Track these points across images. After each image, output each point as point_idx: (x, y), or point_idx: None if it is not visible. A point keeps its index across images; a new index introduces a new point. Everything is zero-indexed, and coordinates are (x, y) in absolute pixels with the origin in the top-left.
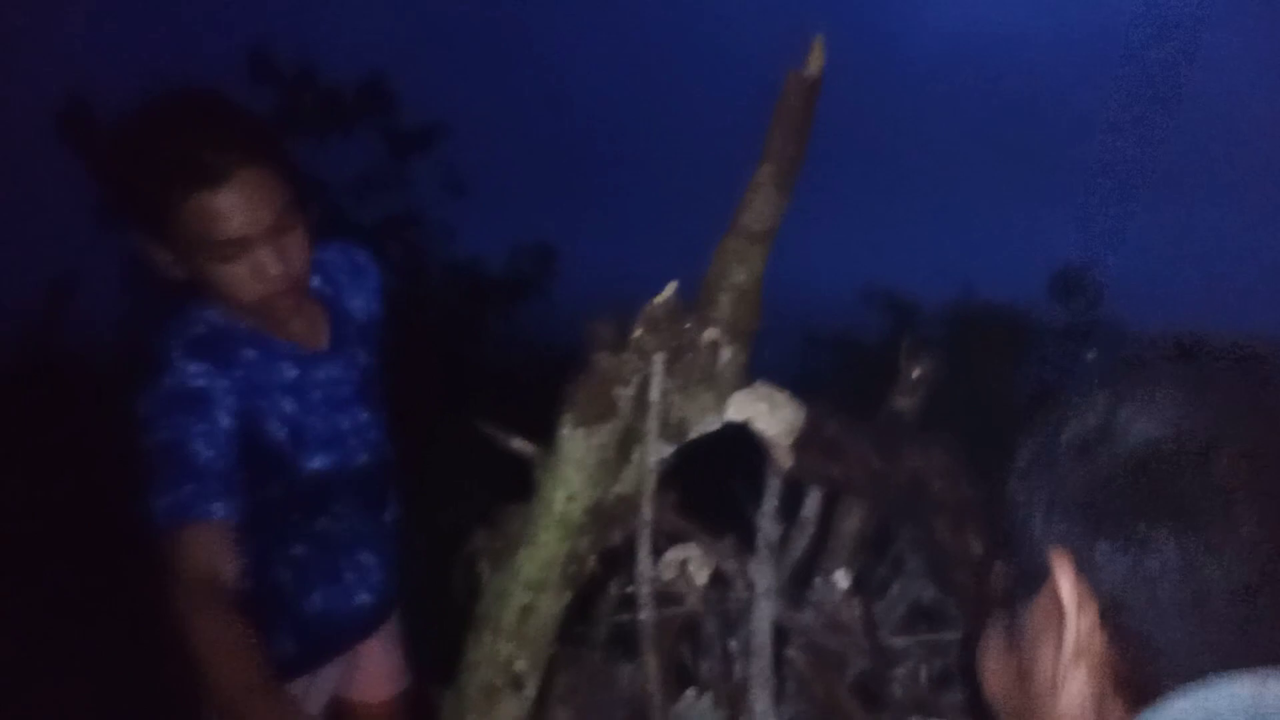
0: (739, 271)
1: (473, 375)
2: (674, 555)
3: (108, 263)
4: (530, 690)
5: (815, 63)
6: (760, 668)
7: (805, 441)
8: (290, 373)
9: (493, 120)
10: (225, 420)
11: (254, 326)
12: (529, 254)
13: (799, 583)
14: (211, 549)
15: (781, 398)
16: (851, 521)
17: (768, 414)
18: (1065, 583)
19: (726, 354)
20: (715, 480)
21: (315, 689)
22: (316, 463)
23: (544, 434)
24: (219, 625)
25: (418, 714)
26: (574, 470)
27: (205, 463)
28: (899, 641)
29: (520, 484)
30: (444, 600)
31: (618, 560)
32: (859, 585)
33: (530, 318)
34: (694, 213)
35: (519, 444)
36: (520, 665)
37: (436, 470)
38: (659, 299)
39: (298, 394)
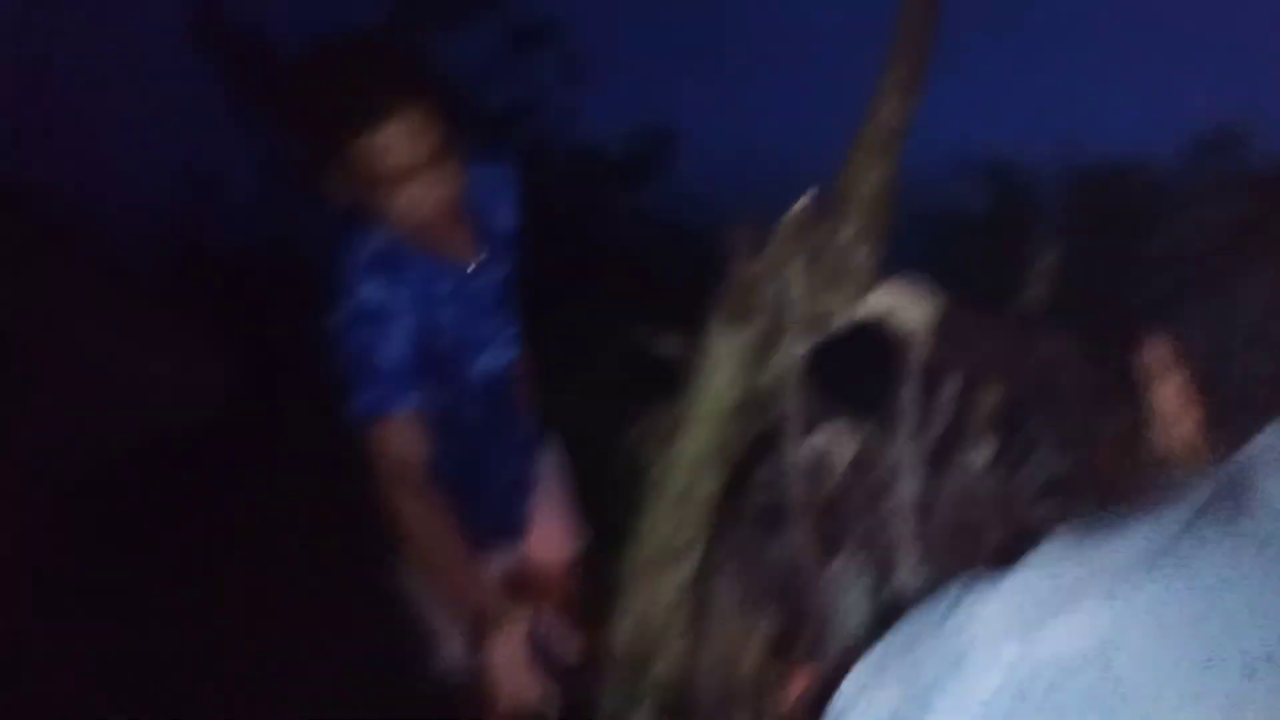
0: (873, 173)
1: (605, 261)
2: (820, 438)
3: (247, 163)
4: (691, 560)
5: None
6: (901, 538)
7: (939, 333)
8: (447, 286)
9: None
10: (403, 328)
11: (415, 245)
12: (649, 137)
13: (938, 460)
14: (405, 437)
15: (916, 292)
16: (987, 403)
17: (903, 307)
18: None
19: (862, 251)
20: (858, 368)
21: (497, 562)
22: (477, 365)
23: (679, 316)
24: (418, 503)
25: (591, 583)
26: (724, 365)
27: (391, 366)
28: (1034, 512)
29: (674, 375)
30: (604, 482)
31: (768, 443)
32: (996, 461)
33: (656, 201)
34: (816, 93)
35: (669, 344)
36: (682, 538)
37: (584, 363)
38: (797, 206)
39: (455, 305)
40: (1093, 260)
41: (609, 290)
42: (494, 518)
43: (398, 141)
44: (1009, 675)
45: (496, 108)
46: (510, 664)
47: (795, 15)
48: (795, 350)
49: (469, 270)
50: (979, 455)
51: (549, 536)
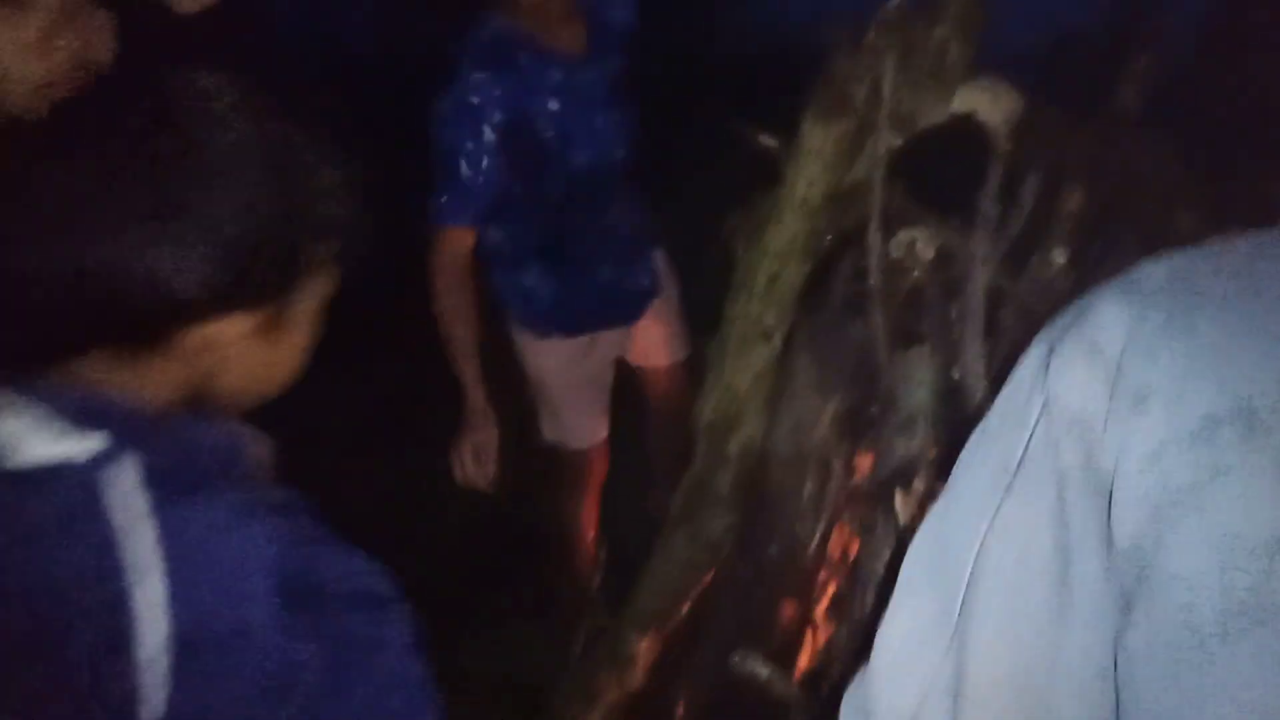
0: None
1: (711, 58)
2: (903, 235)
3: None
4: (777, 341)
5: None
6: (973, 323)
7: (1023, 131)
8: (556, 76)
9: None
10: (490, 135)
11: (529, 33)
12: None
13: (1017, 259)
14: (457, 246)
15: (1002, 89)
16: (1070, 203)
17: (989, 105)
18: None
19: (954, 50)
20: (942, 167)
21: (598, 347)
22: (581, 157)
23: (780, 119)
24: (454, 302)
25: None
26: (814, 160)
27: (465, 179)
28: None
29: (765, 170)
30: (704, 271)
31: (853, 238)
32: (1074, 261)
33: (759, 9)
34: None
35: (765, 139)
36: (769, 321)
37: (689, 161)
38: (892, 3)
39: (562, 96)
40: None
41: (714, 87)
42: (599, 304)
43: None
44: None
45: None
46: (461, 456)
47: None
48: (884, 146)
49: (579, 63)
50: (1057, 255)
51: (656, 342)
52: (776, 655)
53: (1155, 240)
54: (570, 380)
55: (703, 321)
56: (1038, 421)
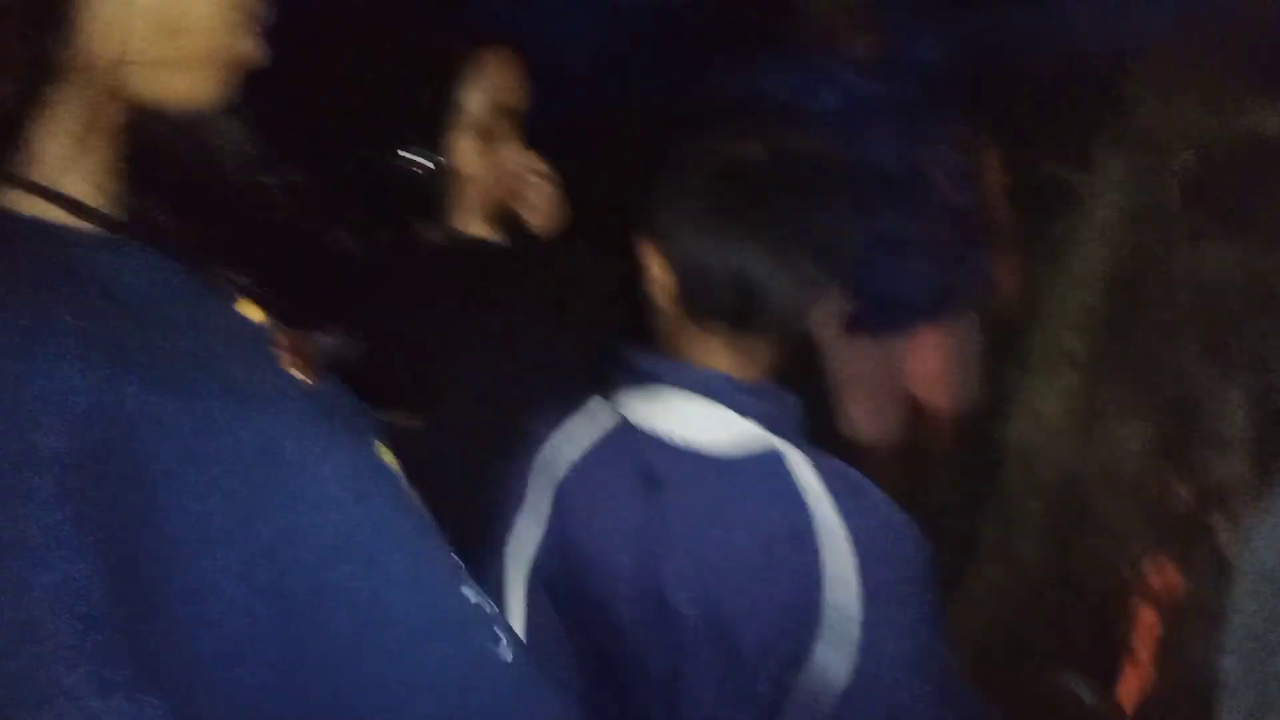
0: None
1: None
2: (1205, 252)
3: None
4: (1085, 366)
5: None
6: None
7: None
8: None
9: None
10: None
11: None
12: None
13: None
14: None
15: None
16: None
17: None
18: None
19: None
20: (1247, 185)
21: (886, 354)
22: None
23: (1074, 144)
24: None
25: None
26: (1113, 185)
27: None
28: None
29: (1064, 195)
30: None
31: (1156, 259)
32: None
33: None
34: None
35: (1059, 168)
36: (1076, 346)
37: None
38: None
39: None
40: None
41: (1008, 111)
42: (891, 305)
43: None
44: None
45: None
46: None
47: None
48: (1178, 169)
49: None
50: None
51: (939, 382)
52: (1097, 683)
53: None
54: (862, 372)
55: (1008, 351)
56: None
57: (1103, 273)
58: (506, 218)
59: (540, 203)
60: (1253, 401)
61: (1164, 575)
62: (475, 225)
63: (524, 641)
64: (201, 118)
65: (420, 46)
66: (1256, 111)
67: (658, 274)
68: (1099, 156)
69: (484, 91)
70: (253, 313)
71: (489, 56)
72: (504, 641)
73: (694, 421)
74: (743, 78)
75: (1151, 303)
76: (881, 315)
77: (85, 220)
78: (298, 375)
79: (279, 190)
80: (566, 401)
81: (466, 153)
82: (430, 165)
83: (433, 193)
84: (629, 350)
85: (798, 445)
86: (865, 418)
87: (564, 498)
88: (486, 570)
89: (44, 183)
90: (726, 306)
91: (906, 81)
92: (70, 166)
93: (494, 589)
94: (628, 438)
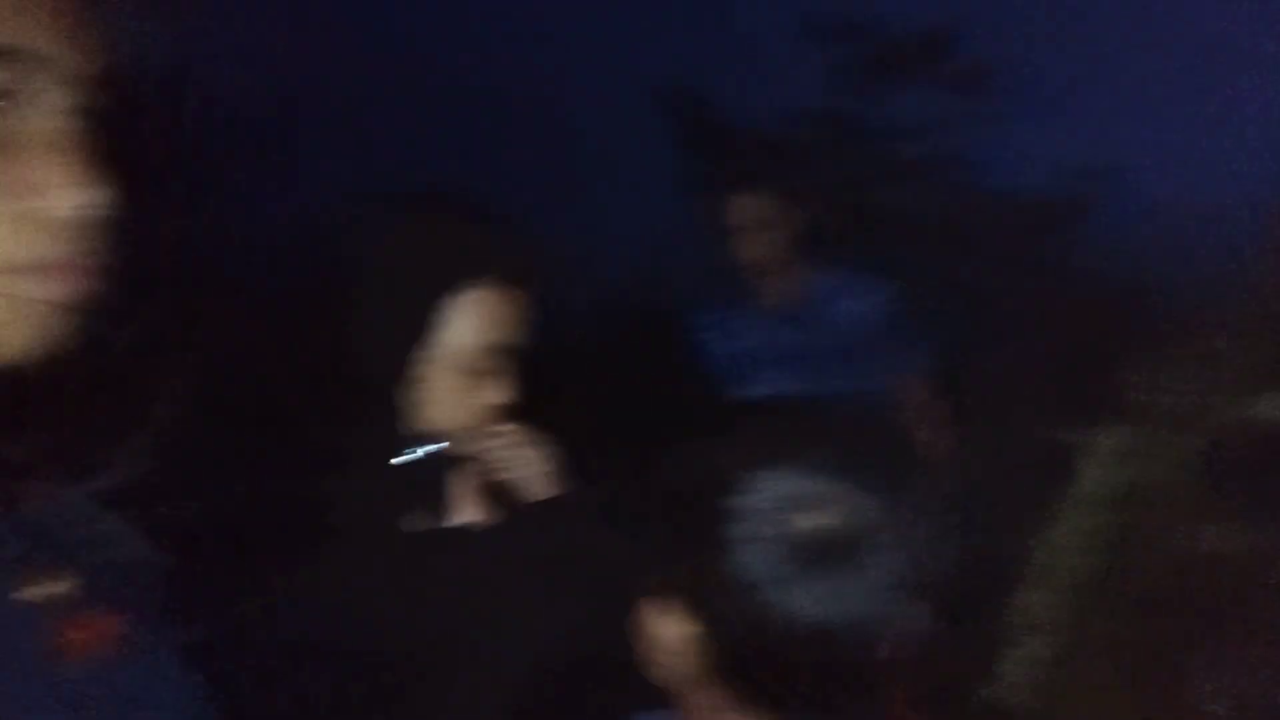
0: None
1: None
2: (1206, 532)
3: None
4: (1060, 634)
5: None
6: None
7: None
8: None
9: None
10: None
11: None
12: (1077, 176)
13: None
14: None
15: None
16: None
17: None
18: None
19: (1256, 354)
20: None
21: None
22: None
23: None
24: None
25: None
26: (1105, 456)
27: None
28: None
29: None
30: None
31: (1150, 533)
32: None
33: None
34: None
35: (1064, 435)
36: (1053, 614)
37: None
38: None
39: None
40: None
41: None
42: None
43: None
44: None
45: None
46: None
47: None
48: (1183, 444)
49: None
50: None
51: None
52: None
53: None
54: None
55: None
56: None
57: (1085, 540)
58: (500, 494)
59: (529, 474)
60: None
61: None
62: (468, 509)
63: None
64: None
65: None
66: (1268, 400)
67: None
68: (1103, 431)
69: (472, 331)
70: None
71: (481, 293)
72: None
73: None
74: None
75: (1139, 576)
76: None
77: None
78: None
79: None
80: None
81: (443, 397)
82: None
83: (429, 484)
84: None
85: None
86: None
87: None
88: None
89: None
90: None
91: (823, 331)
92: None
93: None
94: None
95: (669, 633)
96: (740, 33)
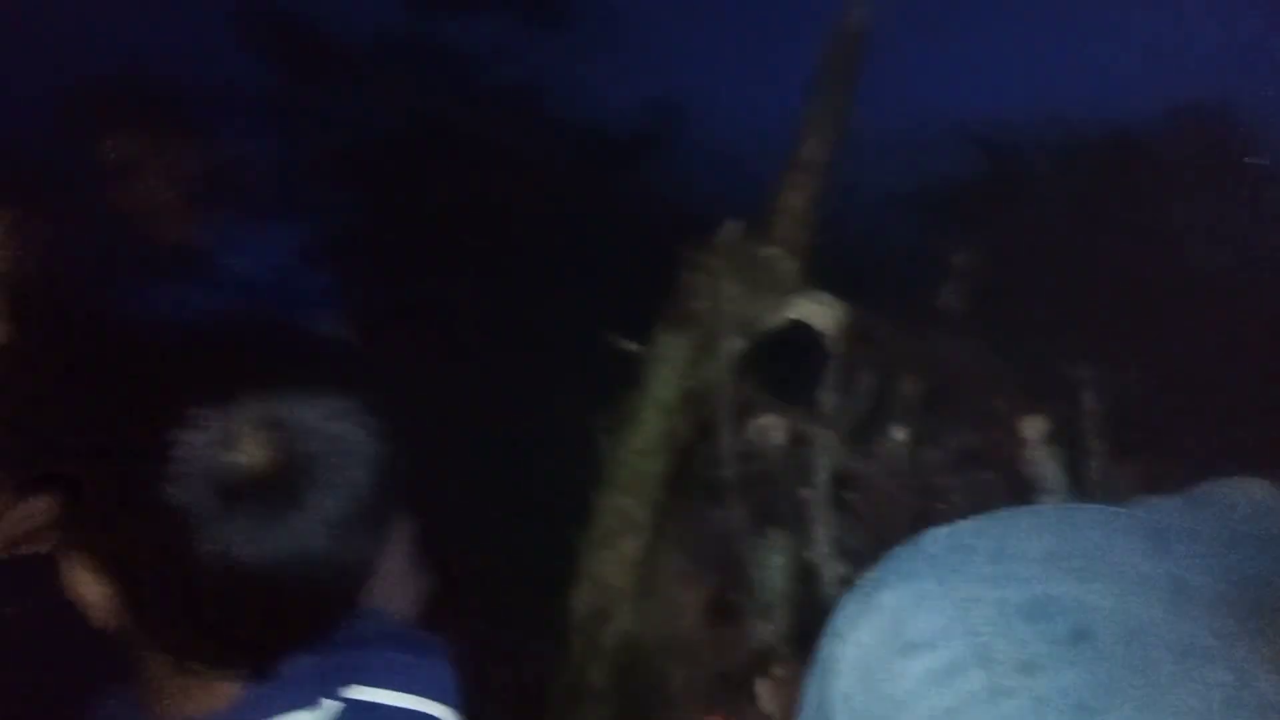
0: (795, 197)
1: (605, 235)
2: (755, 423)
3: None
4: (645, 532)
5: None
6: (823, 504)
7: (853, 336)
8: None
9: None
10: None
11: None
12: (656, 110)
13: (862, 439)
14: None
15: (828, 299)
16: (904, 388)
17: (819, 314)
18: None
19: (784, 265)
20: (789, 364)
21: None
22: None
23: (642, 324)
24: None
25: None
26: (668, 365)
27: None
28: (944, 481)
29: (628, 371)
30: (573, 467)
31: (710, 430)
32: (913, 439)
33: (658, 176)
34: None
35: (628, 345)
36: (636, 513)
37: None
38: (725, 231)
39: None
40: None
41: (586, 293)
42: None
43: None
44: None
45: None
46: None
47: None
48: (729, 350)
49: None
50: (897, 431)
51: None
52: None
53: (979, 418)
54: None
55: (576, 516)
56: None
57: (660, 443)
58: None
59: None
60: (791, 562)
61: None
62: None
63: None
64: None
65: None
66: (798, 304)
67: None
68: (660, 338)
69: None
70: None
71: None
72: None
73: None
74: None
75: (704, 471)
76: None
77: None
78: None
79: None
80: None
81: None
82: None
83: None
84: None
85: None
86: None
87: None
88: None
89: None
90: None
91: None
92: None
93: None
94: None
95: (89, 591)
96: None
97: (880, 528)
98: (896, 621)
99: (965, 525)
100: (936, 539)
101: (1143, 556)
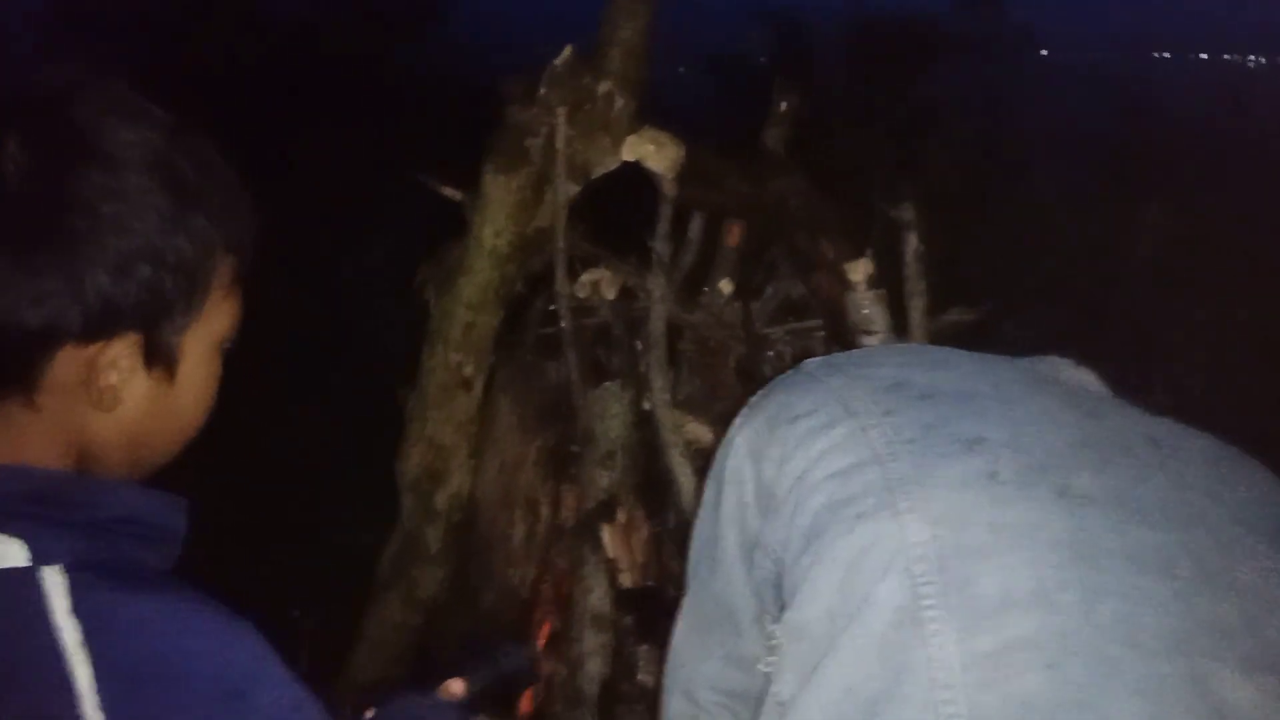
0: (627, 29)
1: (385, 108)
2: (587, 276)
3: None
4: (477, 389)
5: None
6: (657, 357)
7: (686, 175)
8: None
9: None
10: None
11: None
12: None
13: (690, 291)
14: None
15: (666, 138)
16: (732, 238)
17: (655, 154)
18: None
19: (619, 103)
20: (621, 212)
21: None
22: None
23: (459, 163)
24: None
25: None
26: (498, 210)
27: None
28: (771, 331)
29: (453, 220)
30: (398, 323)
31: (541, 282)
32: (739, 290)
33: (437, 51)
34: None
35: (449, 191)
36: (467, 369)
37: (374, 212)
38: (559, 60)
39: None
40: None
41: (395, 140)
42: None
43: None
44: None
45: None
46: None
47: None
48: (563, 194)
49: None
50: (725, 285)
51: None
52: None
53: (805, 266)
54: None
55: (400, 375)
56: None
57: (491, 295)
58: None
59: None
60: (628, 412)
61: (555, 581)
62: None
63: None
64: None
65: None
66: (633, 144)
67: None
68: (488, 182)
69: None
70: None
71: None
72: None
73: None
74: None
75: (537, 323)
76: None
77: None
78: None
79: None
80: None
81: None
82: None
83: None
84: None
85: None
86: None
87: None
88: None
89: None
90: None
91: None
92: None
93: None
94: None
95: None
96: None
97: (711, 378)
98: (782, 406)
99: (836, 354)
100: (811, 362)
101: (968, 359)
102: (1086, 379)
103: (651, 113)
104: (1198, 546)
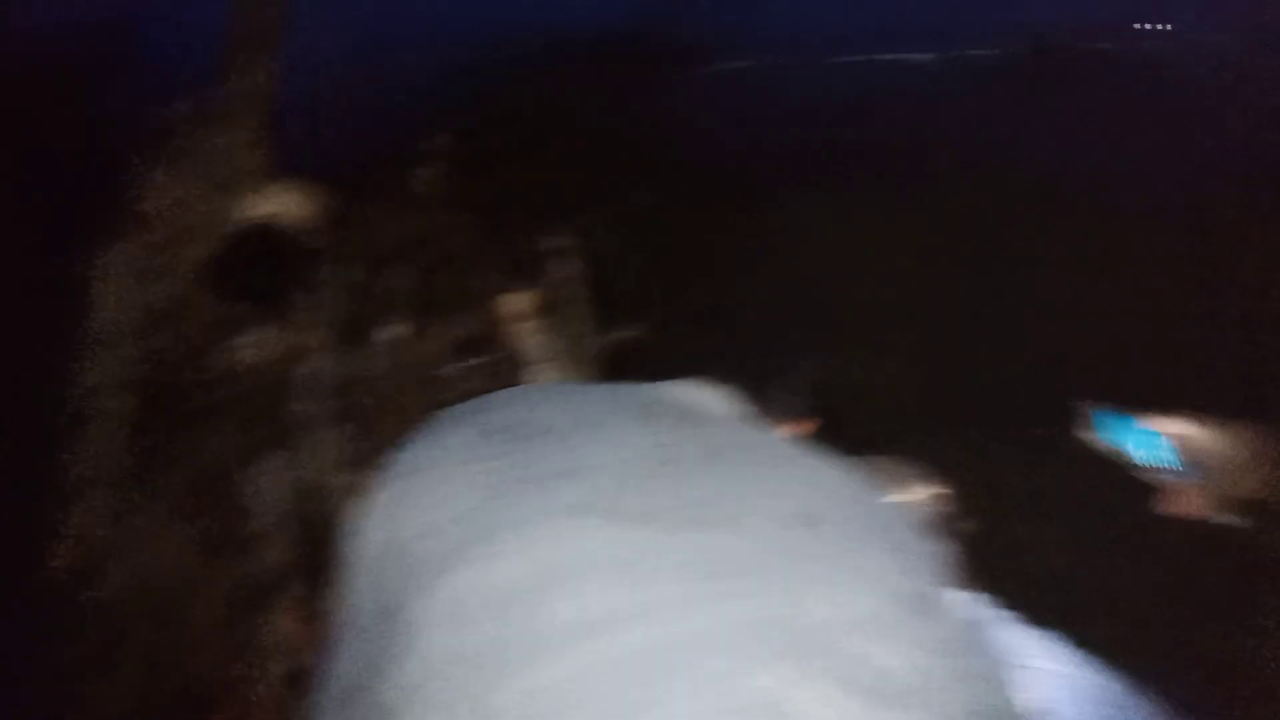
0: (248, 77)
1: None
2: (236, 340)
3: None
4: (121, 478)
5: None
6: (323, 420)
7: (338, 222)
8: None
9: None
10: None
11: None
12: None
13: (358, 340)
14: None
15: (304, 187)
16: (395, 281)
17: (294, 205)
18: None
19: (248, 155)
20: (262, 268)
21: None
22: None
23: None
24: None
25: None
26: (123, 278)
27: None
28: (446, 371)
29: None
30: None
31: (183, 354)
32: (408, 332)
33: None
34: None
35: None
36: (108, 459)
37: None
38: (169, 118)
39: None
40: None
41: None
42: None
43: None
44: None
45: None
46: None
47: None
48: (192, 258)
49: None
50: (391, 330)
51: None
52: None
53: (474, 302)
54: None
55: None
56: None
57: (120, 378)
58: None
59: None
60: (298, 478)
61: (233, 674)
62: None
63: None
64: None
65: None
66: (275, 195)
67: None
68: (108, 249)
69: None
70: None
71: None
72: None
73: None
74: None
75: (186, 399)
76: None
77: None
78: None
79: None
80: None
81: None
82: None
83: None
84: None
85: None
86: None
87: None
88: None
89: None
90: None
91: None
92: None
93: None
94: None
95: None
96: None
97: (393, 429)
98: (406, 464)
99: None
100: (439, 415)
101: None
102: (709, 400)
103: (293, 162)
104: (729, 549)
